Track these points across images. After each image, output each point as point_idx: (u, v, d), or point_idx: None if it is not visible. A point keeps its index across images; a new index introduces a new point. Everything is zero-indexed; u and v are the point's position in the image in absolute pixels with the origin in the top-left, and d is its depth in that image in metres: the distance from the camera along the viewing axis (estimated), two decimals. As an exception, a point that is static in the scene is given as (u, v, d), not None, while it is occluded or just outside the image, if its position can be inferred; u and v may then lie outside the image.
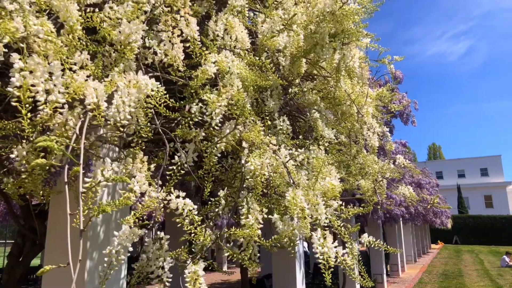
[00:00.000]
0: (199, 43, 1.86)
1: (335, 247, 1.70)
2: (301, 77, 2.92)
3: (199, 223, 1.56)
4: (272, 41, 2.12)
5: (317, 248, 1.65)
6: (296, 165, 2.13)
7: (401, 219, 15.75)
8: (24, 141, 1.75)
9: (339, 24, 2.38)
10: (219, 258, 19.69)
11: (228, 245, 1.91)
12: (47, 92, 1.23)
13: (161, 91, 1.62)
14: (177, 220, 1.55)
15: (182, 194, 1.58)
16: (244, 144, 1.94)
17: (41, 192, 2.31)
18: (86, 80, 1.49)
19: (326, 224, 1.85)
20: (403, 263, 18.93)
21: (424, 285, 14.95)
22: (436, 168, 49.39)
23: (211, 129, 1.83)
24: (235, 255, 1.83)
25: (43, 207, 3.99)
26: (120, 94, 1.52)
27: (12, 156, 1.61)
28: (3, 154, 1.65)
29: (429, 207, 3.49)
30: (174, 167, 1.79)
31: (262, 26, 2.28)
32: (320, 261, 1.61)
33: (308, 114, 3.05)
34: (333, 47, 2.33)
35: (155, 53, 1.85)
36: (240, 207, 1.91)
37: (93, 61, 1.72)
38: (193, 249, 1.86)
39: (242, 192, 1.94)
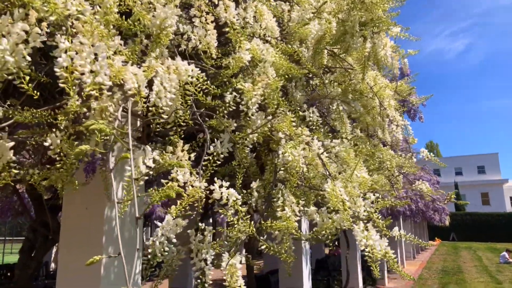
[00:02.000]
0: (238, 28, 1.79)
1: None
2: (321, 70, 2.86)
3: (244, 213, 1.50)
4: (304, 29, 2.06)
5: (361, 241, 1.60)
6: (327, 157, 2.07)
7: (401, 215, 15.72)
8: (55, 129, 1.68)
9: (368, 12, 2.32)
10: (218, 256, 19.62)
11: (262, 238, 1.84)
12: (93, 73, 1.16)
13: (202, 78, 1.55)
14: (220, 211, 1.49)
15: (226, 183, 1.51)
16: (280, 135, 1.88)
17: (67, 184, 2.24)
18: (124, 65, 1.42)
19: (364, 217, 1.79)
20: (403, 259, 18.95)
21: (425, 280, 14.96)
22: (433, 165, 49.43)
23: (247, 118, 1.76)
24: (271, 249, 1.77)
25: (55, 201, 3.92)
26: (160, 80, 1.46)
27: (46, 144, 1.54)
28: (34, 143, 1.59)
29: (446, 202, 3.44)
30: (210, 157, 1.72)
31: (290, 14, 2.22)
32: (366, 254, 1.56)
33: (330, 106, 2.99)
34: (364, 36, 2.27)
35: (188, 39, 1.78)
36: (275, 199, 1.85)
37: (125, 47, 1.66)
38: (226, 242, 1.79)
39: (276, 184, 1.88)
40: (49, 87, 1.79)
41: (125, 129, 1.39)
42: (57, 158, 1.54)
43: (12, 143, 1.42)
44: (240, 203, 1.48)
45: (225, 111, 1.82)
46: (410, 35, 2.42)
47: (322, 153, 1.91)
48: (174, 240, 1.39)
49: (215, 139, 1.81)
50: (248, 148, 1.95)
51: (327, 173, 1.89)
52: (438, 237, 37.36)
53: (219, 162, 1.74)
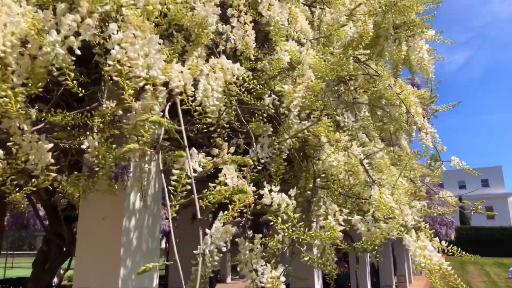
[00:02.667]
0: (280, 28, 1.72)
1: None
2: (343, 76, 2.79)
3: (297, 220, 1.40)
4: (341, 31, 1.99)
5: (415, 251, 1.50)
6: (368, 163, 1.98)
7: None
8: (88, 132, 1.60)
9: (401, 15, 2.26)
10: (222, 270, 19.38)
11: (302, 248, 1.74)
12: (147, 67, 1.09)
13: (249, 77, 1.47)
14: (269, 217, 1.40)
15: (276, 188, 1.42)
16: (323, 139, 1.79)
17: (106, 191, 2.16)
18: (167, 62, 1.35)
19: (412, 226, 1.70)
20: (410, 274, 18.68)
21: (434, 297, 14.69)
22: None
23: (289, 122, 1.68)
24: (315, 261, 1.67)
25: (69, 212, 3.83)
26: (206, 78, 1.38)
27: (83, 147, 1.46)
28: (67, 146, 1.51)
29: (472, 213, 3.33)
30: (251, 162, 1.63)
31: (320, 17, 2.16)
32: (422, 265, 1.46)
33: (357, 113, 2.91)
34: (399, 39, 2.20)
35: (226, 39, 1.71)
36: (316, 208, 1.76)
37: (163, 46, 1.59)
38: (265, 252, 1.70)
39: (317, 191, 1.79)
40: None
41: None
42: (96, 162, 1.46)
43: (51, 145, 1.34)
44: (291, 209, 1.39)
45: (264, 114, 1.74)
46: (445, 38, 2.36)
47: (363, 159, 1.83)
48: (224, 249, 1.30)
49: (254, 144, 1.73)
50: (285, 154, 1.86)
51: (370, 180, 1.80)
52: (442, 252, 36.86)
53: (260, 168, 1.65)
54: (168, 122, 1.14)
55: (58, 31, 1.23)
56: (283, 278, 1.54)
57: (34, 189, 1.48)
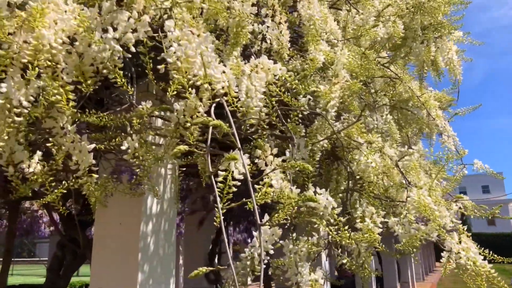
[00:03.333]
0: (320, 27, 1.70)
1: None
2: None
3: (342, 223, 1.38)
4: (372, 31, 1.98)
5: (458, 253, 1.47)
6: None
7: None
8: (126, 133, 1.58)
9: (429, 16, 2.25)
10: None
11: (337, 251, 1.72)
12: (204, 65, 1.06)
13: (291, 77, 1.45)
14: (313, 219, 1.37)
15: (320, 190, 1.40)
16: (360, 140, 1.77)
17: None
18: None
19: (450, 228, 1.67)
20: (413, 281, 18.57)
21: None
22: (437, 185, 49.05)
23: (325, 123, 1.66)
24: (352, 264, 1.64)
25: (84, 216, 3.79)
26: (248, 79, 1.36)
27: (123, 148, 1.43)
28: (110, 147, 1.48)
29: (490, 217, 3.30)
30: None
31: (353, 17, 2.14)
32: (468, 267, 1.43)
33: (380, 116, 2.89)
34: (426, 40, 2.19)
35: (262, 39, 1.70)
36: (352, 210, 1.74)
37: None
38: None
39: (350, 193, 1.76)
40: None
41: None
42: (136, 163, 1.43)
43: (92, 145, 1.32)
44: (337, 211, 1.36)
45: (300, 115, 1.72)
46: (473, 39, 2.34)
47: (398, 161, 1.81)
48: (272, 252, 1.27)
49: (289, 145, 1.71)
50: (318, 155, 1.84)
51: (406, 181, 1.77)
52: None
53: (297, 169, 1.63)
54: (222, 124, 1.11)
55: (105, 30, 1.21)
56: (321, 281, 1.51)
57: (65, 191, 1.45)
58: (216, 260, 8.81)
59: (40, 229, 11.01)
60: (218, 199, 1.09)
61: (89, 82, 1.13)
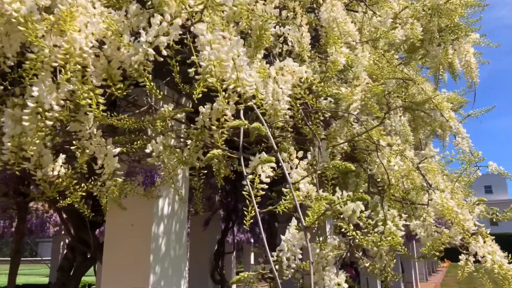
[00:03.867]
0: (343, 29, 1.69)
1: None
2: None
3: (371, 227, 1.37)
4: (391, 34, 1.96)
5: (484, 256, 1.46)
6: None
7: (414, 238, 15.38)
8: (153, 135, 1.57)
9: (446, 18, 2.24)
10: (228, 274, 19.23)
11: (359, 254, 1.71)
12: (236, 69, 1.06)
13: (316, 79, 1.44)
14: (339, 223, 1.36)
15: (345, 193, 1.39)
16: (383, 143, 1.76)
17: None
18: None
19: (473, 231, 1.66)
20: (417, 281, 18.55)
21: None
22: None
23: (350, 125, 1.65)
24: (374, 267, 1.63)
25: (93, 218, 3.77)
26: (274, 81, 1.35)
27: (147, 151, 1.43)
28: (133, 150, 1.47)
29: (500, 219, 3.27)
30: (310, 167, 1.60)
31: (370, 19, 2.13)
32: (496, 271, 1.42)
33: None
34: (443, 42, 2.18)
35: (284, 41, 1.69)
36: (372, 213, 1.72)
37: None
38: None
39: (373, 196, 1.75)
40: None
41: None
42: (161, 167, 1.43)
43: (118, 150, 1.31)
44: (365, 215, 1.35)
45: (321, 117, 1.71)
46: (489, 42, 2.33)
47: (419, 163, 1.80)
48: (300, 256, 1.26)
49: (311, 148, 1.69)
50: (338, 158, 1.83)
51: (427, 184, 1.76)
52: (447, 259, 36.74)
53: (319, 172, 1.62)
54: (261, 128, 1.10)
55: (135, 33, 1.21)
56: (345, 285, 1.50)
57: (83, 193, 1.45)
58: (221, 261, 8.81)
59: (44, 229, 11.01)
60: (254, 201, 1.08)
61: (118, 86, 1.12)
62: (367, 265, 1.62)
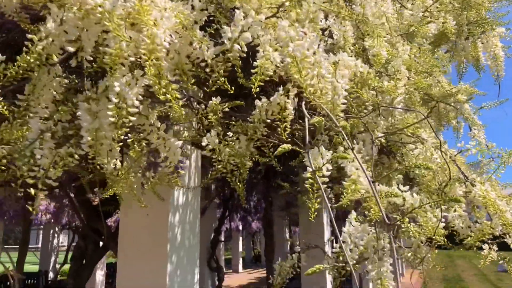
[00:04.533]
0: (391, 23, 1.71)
1: None
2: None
3: (427, 219, 1.41)
4: (425, 27, 1.99)
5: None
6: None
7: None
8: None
9: (472, 12, 2.27)
10: (235, 260, 19.50)
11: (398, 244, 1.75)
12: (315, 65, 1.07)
13: (370, 73, 1.46)
14: (395, 216, 1.40)
15: (405, 188, 1.42)
16: (424, 135, 1.80)
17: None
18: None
19: None
20: (403, 267, 18.90)
21: (429, 290, 14.91)
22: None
23: (393, 119, 1.69)
24: (416, 258, 1.68)
25: (104, 207, 3.78)
26: (333, 76, 1.36)
27: (203, 144, 1.43)
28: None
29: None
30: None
31: (403, 12, 2.15)
32: None
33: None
34: (472, 35, 2.22)
35: (329, 35, 1.70)
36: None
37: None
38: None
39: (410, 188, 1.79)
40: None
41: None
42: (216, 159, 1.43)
43: (180, 142, 1.32)
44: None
45: (365, 111, 1.73)
46: (515, 36, 2.38)
47: (455, 156, 1.84)
48: (362, 248, 1.29)
49: (354, 141, 1.72)
50: (376, 151, 1.86)
51: (464, 177, 1.81)
52: (433, 245, 37.41)
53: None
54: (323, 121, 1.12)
55: (204, 28, 1.21)
56: (391, 276, 1.54)
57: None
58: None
59: (37, 216, 10.86)
60: (326, 198, 1.10)
61: (193, 81, 1.12)
62: (409, 255, 1.66)
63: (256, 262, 23.58)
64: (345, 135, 1.10)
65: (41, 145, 1.13)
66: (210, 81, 1.15)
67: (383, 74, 1.85)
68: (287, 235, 12.17)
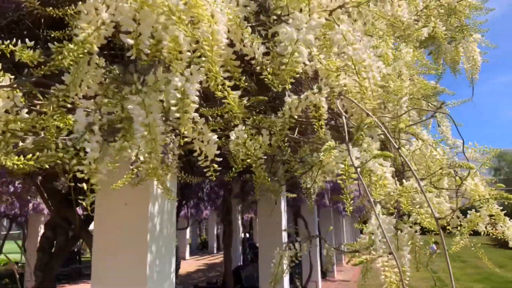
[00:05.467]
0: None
1: None
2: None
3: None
4: (420, 31, 2.11)
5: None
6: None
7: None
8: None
9: (455, 18, 2.44)
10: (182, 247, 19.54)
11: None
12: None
13: (393, 75, 1.55)
14: (411, 208, 1.51)
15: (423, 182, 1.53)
16: (425, 134, 1.93)
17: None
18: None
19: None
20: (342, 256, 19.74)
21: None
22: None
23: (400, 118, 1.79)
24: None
25: (77, 196, 3.64)
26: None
27: (232, 138, 1.45)
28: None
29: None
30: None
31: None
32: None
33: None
34: (454, 40, 2.39)
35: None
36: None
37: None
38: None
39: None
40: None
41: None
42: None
43: (215, 136, 1.33)
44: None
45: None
46: (490, 43, 2.57)
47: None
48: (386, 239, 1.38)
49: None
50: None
51: (454, 171, 1.97)
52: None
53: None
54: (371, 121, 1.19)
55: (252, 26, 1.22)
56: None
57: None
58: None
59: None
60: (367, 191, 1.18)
61: (243, 78, 1.14)
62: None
63: (203, 249, 23.64)
64: (390, 135, 1.17)
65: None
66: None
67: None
68: (240, 222, 12.32)
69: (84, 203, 1.18)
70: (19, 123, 1.15)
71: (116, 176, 1.86)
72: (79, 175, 1.09)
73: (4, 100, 1.17)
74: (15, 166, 0.95)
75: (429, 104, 2.82)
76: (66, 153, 1.06)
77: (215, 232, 22.51)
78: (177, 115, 1.00)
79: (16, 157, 0.99)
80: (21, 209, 9.31)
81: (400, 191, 1.37)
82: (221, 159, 1.31)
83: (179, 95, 1.01)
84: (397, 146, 1.23)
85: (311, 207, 3.32)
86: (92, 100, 1.10)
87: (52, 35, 1.23)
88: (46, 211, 9.21)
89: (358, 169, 1.36)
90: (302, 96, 1.40)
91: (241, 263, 11.22)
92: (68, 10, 1.31)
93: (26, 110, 1.19)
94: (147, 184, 2.78)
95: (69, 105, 1.17)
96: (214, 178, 1.32)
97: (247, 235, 19.61)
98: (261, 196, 6.29)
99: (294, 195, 4.33)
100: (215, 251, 21.74)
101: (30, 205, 9.26)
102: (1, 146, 1.12)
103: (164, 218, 3.16)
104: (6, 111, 1.16)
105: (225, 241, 7.53)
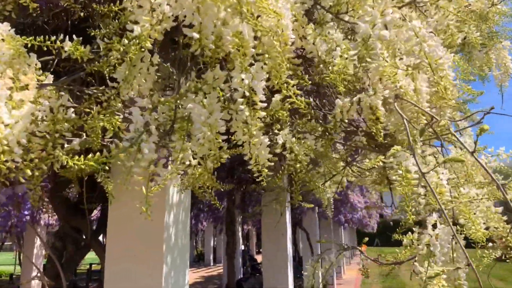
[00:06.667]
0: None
1: None
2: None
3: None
4: (456, 36, 2.07)
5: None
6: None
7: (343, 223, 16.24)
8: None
9: (487, 25, 2.41)
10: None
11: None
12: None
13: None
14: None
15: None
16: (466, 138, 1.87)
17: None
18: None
19: None
20: (343, 264, 19.62)
21: (369, 285, 15.65)
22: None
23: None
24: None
25: (88, 205, 3.55)
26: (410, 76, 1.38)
27: (280, 141, 1.38)
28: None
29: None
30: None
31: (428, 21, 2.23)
32: None
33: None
34: (485, 47, 2.35)
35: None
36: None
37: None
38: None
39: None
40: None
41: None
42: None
43: (267, 139, 1.26)
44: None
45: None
46: (518, 49, 2.54)
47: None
48: (446, 249, 1.31)
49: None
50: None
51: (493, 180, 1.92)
52: (364, 243, 39.14)
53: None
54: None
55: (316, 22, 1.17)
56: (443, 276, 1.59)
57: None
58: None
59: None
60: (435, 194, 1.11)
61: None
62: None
63: (199, 261, 23.38)
64: (458, 137, 1.11)
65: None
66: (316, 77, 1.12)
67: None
68: (240, 234, 12.20)
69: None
70: (66, 123, 1.07)
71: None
72: (136, 177, 1.01)
73: (49, 99, 1.10)
74: (76, 167, 0.88)
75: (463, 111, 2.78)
76: (125, 153, 0.98)
77: (212, 244, 22.27)
78: (247, 113, 0.92)
79: (76, 157, 0.91)
80: (18, 220, 9.08)
81: (458, 199, 1.30)
82: (272, 163, 1.24)
83: (247, 93, 0.95)
84: (473, 151, 1.16)
85: (331, 216, 3.24)
86: (146, 99, 1.03)
87: (100, 33, 1.16)
88: (42, 222, 9.04)
89: (417, 175, 1.29)
90: (354, 99, 1.34)
91: (242, 276, 11.07)
92: (113, 7, 1.25)
93: (72, 110, 1.12)
94: (164, 192, 2.70)
95: (119, 104, 1.10)
96: (265, 184, 1.24)
97: (245, 247, 19.47)
98: (265, 207, 6.23)
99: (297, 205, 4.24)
100: (211, 263, 21.49)
101: (28, 215, 9.05)
102: (48, 148, 1.04)
103: (179, 228, 3.08)
104: (51, 111, 1.09)
105: (228, 252, 7.41)
